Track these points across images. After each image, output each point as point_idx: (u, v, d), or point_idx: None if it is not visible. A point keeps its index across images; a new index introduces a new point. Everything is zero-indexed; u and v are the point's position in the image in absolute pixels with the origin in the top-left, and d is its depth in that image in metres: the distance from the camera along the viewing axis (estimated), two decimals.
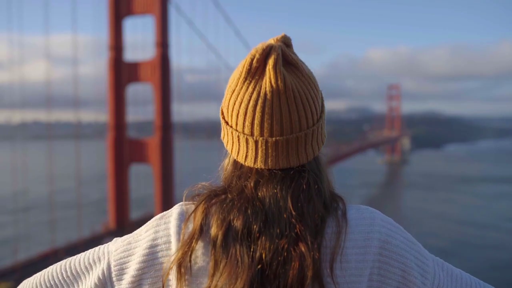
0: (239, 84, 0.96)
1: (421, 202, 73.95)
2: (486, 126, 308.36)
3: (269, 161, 0.95)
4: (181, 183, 35.44)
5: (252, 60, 0.94)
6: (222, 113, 1.06)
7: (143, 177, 34.76)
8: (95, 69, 39.16)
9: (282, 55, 0.95)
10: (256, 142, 0.95)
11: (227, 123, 1.03)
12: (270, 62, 0.92)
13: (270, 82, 0.92)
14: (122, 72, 31.27)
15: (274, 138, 0.93)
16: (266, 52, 0.94)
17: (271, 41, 0.98)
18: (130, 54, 32.74)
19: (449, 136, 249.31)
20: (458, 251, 47.95)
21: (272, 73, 0.92)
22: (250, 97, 0.93)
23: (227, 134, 1.04)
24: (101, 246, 1.12)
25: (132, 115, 33.97)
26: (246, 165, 1.00)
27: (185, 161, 43.04)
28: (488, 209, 67.63)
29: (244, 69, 0.94)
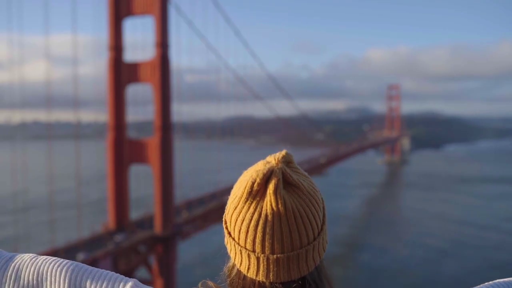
0: (241, 203, 1.00)
1: (420, 202, 73.95)
2: (486, 126, 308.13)
3: (271, 276, 0.99)
4: (180, 183, 35.47)
5: (253, 183, 0.98)
6: (225, 223, 1.09)
7: (143, 177, 34.78)
8: (95, 69, 39.13)
9: (283, 176, 0.99)
10: (258, 258, 0.99)
11: (230, 234, 1.07)
12: (271, 186, 0.96)
13: (271, 205, 0.96)
14: (122, 73, 31.28)
15: (275, 256, 0.98)
16: (267, 177, 0.98)
17: (272, 160, 1.03)
18: (130, 55, 32.78)
19: (449, 136, 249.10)
20: (457, 251, 47.97)
21: (272, 197, 0.96)
22: (252, 216, 0.98)
23: (230, 243, 1.07)
24: (118, 279, 1.13)
25: (132, 115, 33.99)
26: (249, 276, 1.04)
27: (185, 161, 43.08)
28: (488, 210, 67.59)
29: (246, 191, 0.99)
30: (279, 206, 0.96)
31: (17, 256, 1.20)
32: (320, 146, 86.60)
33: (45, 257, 1.19)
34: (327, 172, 68.59)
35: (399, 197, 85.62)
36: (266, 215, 0.96)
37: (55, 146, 35.36)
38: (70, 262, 1.17)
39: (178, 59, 63.87)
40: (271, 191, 0.96)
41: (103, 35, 32.21)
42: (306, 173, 1.07)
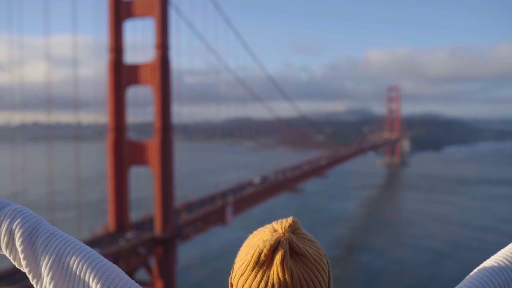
0: (247, 270, 1.02)
1: (420, 203, 73.93)
2: (486, 128, 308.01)
3: None
4: (180, 184, 35.46)
5: (260, 253, 1.00)
6: (231, 286, 1.10)
7: (143, 178, 34.79)
8: (95, 71, 39.12)
9: (289, 246, 1.01)
10: None
11: None
12: (278, 257, 0.99)
13: (278, 275, 0.98)
14: (122, 74, 31.27)
15: None
16: (274, 248, 1.00)
17: (279, 229, 1.04)
18: (130, 56, 32.76)
19: (449, 138, 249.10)
20: (457, 253, 47.94)
21: (279, 268, 0.98)
22: (258, 285, 1.00)
23: None
24: None
25: (132, 116, 33.96)
26: None
27: (185, 162, 43.08)
28: (488, 211, 67.57)
29: (253, 260, 1.01)
30: (286, 276, 0.98)
31: (60, 235, 1.27)
32: (320, 147, 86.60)
33: (89, 249, 1.25)
34: (327, 173, 68.62)
35: (398, 199, 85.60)
36: (273, 284, 0.98)
37: (55, 147, 35.36)
38: (111, 268, 1.23)
39: (178, 60, 63.87)
40: (278, 262, 0.98)
41: (104, 37, 32.22)
42: (312, 238, 1.08)
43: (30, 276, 1.25)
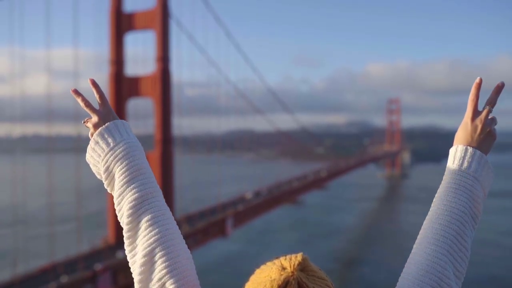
0: None
1: (420, 216, 72.50)
2: None
3: None
4: (181, 196, 35.41)
5: None
6: None
7: None
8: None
9: (298, 286, 0.97)
10: None
11: None
12: None
13: None
14: (123, 87, 31.41)
15: None
16: None
17: (288, 267, 1.00)
18: (131, 68, 32.91)
19: (449, 150, 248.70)
20: None
21: None
22: None
23: None
24: None
25: (133, 128, 33.92)
26: None
27: (185, 174, 43.02)
28: (487, 224, 67.17)
29: None
30: None
31: (164, 221, 1.32)
32: (321, 160, 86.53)
33: (180, 252, 1.27)
34: (328, 186, 68.53)
35: (399, 211, 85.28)
36: None
37: (56, 159, 35.37)
38: (192, 282, 1.24)
39: (178, 72, 63.91)
40: None
41: (104, 49, 32.33)
42: (323, 275, 1.05)
43: (126, 242, 1.31)
